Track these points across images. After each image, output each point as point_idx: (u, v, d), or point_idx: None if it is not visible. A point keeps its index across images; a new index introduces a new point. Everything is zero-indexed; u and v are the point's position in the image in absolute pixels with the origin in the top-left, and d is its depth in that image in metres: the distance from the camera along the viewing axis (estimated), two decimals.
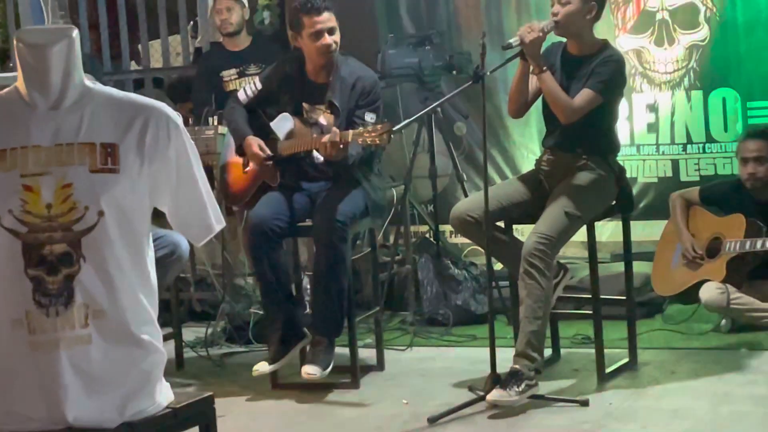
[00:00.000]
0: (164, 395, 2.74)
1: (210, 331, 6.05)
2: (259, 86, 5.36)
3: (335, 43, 5.17)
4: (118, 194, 2.54)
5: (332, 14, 5.16)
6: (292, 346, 5.13)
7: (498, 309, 5.86)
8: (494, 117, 7.14)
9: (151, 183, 2.58)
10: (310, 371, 5.02)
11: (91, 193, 2.53)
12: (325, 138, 4.90)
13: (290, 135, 5.23)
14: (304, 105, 5.27)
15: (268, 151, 5.20)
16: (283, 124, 5.25)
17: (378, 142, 4.81)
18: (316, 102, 5.27)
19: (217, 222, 2.71)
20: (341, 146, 4.88)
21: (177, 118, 2.65)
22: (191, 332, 6.20)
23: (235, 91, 5.59)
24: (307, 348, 5.17)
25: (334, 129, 4.93)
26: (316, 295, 5.13)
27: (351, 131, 4.89)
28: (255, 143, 5.21)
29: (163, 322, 5.68)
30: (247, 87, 5.43)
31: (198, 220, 2.68)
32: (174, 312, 5.81)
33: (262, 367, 5.11)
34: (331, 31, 5.15)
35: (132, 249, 2.57)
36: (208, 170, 5.70)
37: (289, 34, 5.30)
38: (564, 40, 5.04)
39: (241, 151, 5.31)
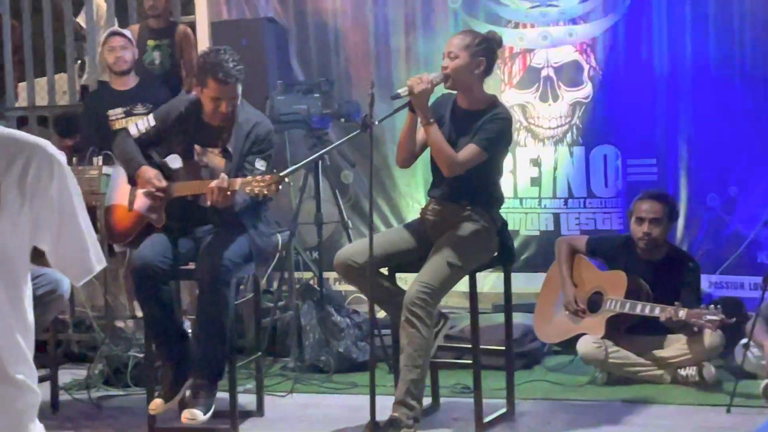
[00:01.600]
0: None
1: (88, 373, 5.96)
2: (153, 123, 5.32)
3: (233, 108, 5.16)
4: None
5: (235, 85, 5.13)
6: (183, 384, 5.08)
7: (379, 357, 5.89)
8: (381, 166, 7.21)
9: (32, 221, 2.54)
10: (191, 416, 4.97)
11: None
12: (213, 183, 4.89)
13: (178, 178, 5.19)
14: (196, 147, 5.26)
15: (164, 183, 5.17)
16: (171, 164, 5.22)
17: (266, 192, 4.81)
18: (209, 144, 5.26)
19: (98, 262, 2.68)
20: (228, 193, 4.87)
21: (60, 156, 2.62)
22: (68, 374, 6.11)
23: (122, 129, 5.54)
24: (187, 393, 5.12)
25: (223, 175, 4.92)
26: (198, 338, 5.10)
27: (239, 179, 4.88)
28: (152, 172, 5.18)
29: (39, 364, 5.66)
30: (140, 123, 5.37)
31: (79, 260, 2.64)
32: (51, 353, 5.71)
33: (159, 406, 5.05)
34: (231, 100, 5.15)
35: (10, 288, 2.53)
36: (92, 210, 5.70)
37: (192, 80, 5.29)
38: (455, 92, 5.12)
39: (132, 181, 5.26)
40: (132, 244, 5.34)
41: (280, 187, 4.88)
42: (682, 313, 5.57)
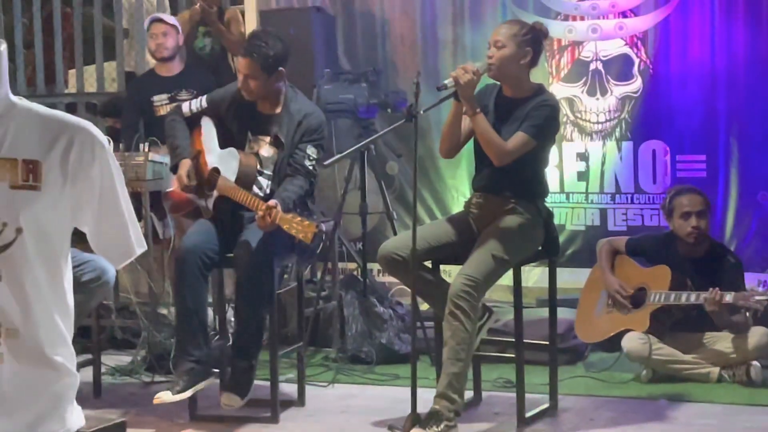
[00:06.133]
0: (75, 419, 2.68)
1: (131, 359, 5.98)
2: (205, 105, 5.34)
3: (258, 88, 5.17)
4: (39, 212, 2.49)
5: (253, 61, 5.13)
6: (199, 381, 5.04)
7: (422, 349, 5.86)
8: (426, 157, 7.18)
9: (73, 202, 2.54)
10: (228, 400, 4.98)
11: (11, 210, 2.48)
12: (262, 208, 4.86)
13: (235, 175, 5.16)
14: (249, 134, 5.26)
15: (193, 181, 5.17)
16: (228, 160, 5.18)
17: (301, 237, 4.80)
18: (260, 133, 5.25)
19: (139, 246, 2.67)
20: (270, 222, 4.85)
21: (103, 138, 2.61)
22: (111, 360, 6.13)
23: (176, 107, 5.54)
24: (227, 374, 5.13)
25: (271, 202, 4.88)
26: (237, 320, 5.11)
27: (280, 214, 4.83)
28: (184, 168, 5.18)
29: (82, 349, 5.71)
30: (193, 103, 5.38)
31: (119, 243, 2.64)
32: (94, 338, 5.74)
33: (165, 396, 4.99)
34: (252, 78, 5.16)
35: (50, 269, 2.53)
36: (136, 196, 5.72)
37: None
38: (499, 83, 5.07)
39: (175, 169, 5.27)
40: (185, 216, 5.38)
41: (317, 238, 4.88)
42: (729, 297, 5.52)
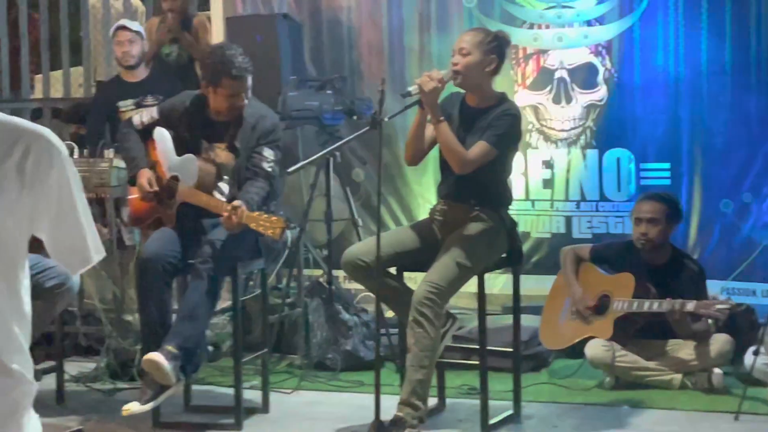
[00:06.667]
0: (32, 427, 2.66)
1: (95, 366, 5.96)
2: (156, 116, 5.33)
3: (240, 104, 5.18)
4: None
5: (246, 80, 5.16)
6: (167, 388, 4.99)
7: (386, 356, 5.87)
8: (392, 164, 7.19)
9: (30, 209, 2.53)
10: (153, 358, 4.90)
11: None
12: (227, 209, 4.85)
13: (195, 181, 5.14)
14: (203, 143, 5.24)
15: (155, 188, 5.16)
16: (187, 166, 5.17)
17: (269, 233, 4.79)
18: (215, 140, 5.24)
19: (96, 253, 2.65)
20: (237, 222, 4.84)
21: (61, 144, 2.60)
22: (75, 366, 6.09)
23: (126, 120, 5.54)
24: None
25: (234, 203, 4.87)
26: (179, 317, 5.05)
27: (246, 213, 4.83)
28: (144, 178, 5.18)
29: (46, 355, 5.68)
30: (144, 114, 5.39)
31: (76, 250, 2.62)
32: (58, 345, 5.72)
33: (134, 407, 4.95)
34: (246, 92, 5.17)
35: (6, 276, 2.51)
36: (101, 202, 5.70)
37: (202, 82, 5.28)
38: (463, 91, 5.09)
39: (133, 181, 5.26)
40: (148, 228, 5.35)
41: (287, 231, 4.85)
42: (691, 305, 5.55)
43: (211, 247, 4.99)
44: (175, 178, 5.16)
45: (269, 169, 5.16)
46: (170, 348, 4.89)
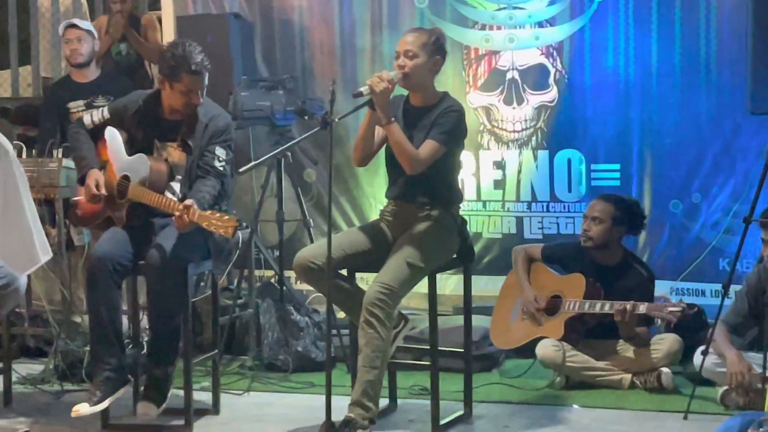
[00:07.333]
0: None
1: (43, 367, 5.90)
2: (107, 116, 5.29)
3: (196, 102, 5.17)
4: None
5: (204, 76, 5.16)
6: (116, 390, 5.00)
7: (338, 357, 5.85)
8: (344, 165, 7.19)
9: None
10: (145, 409, 4.95)
11: None
12: (179, 208, 4.83)
13: (145, 180, 5.10)
14: (156, 142, 5.21)
15: (103, 191, 5.13)
16: (138, 166, 5.13)
17: (222, 232, 4.77)
18: (167, 139, 5.22)
19: (44, 253, 2.64)
20: (188, 221, 4.82)
21: (8, 145, 2.58)
22: (23, 368, 6.04)
23: (77, 120, 5.49)
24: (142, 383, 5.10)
25: (186, 203, 4.85)
26: (152, 328, 5.08)
27: (198, 212, 4.80)
28: (92, 179, 5.14)
29: None
30: (94, 114, 5.35)
31: (23, 250, 2.61)
32: (5, 346, 5.67)
33: (83, 408, 4.93)
34: (202, 90, 5.16)
35: None
36: (50, 203, 5.65)
37: (157, 76, 5.25)
38: (405, 92, 5.09)
39: (82, 181, 5.21)
40: (97, 228, 5.31)
41: (239, 232, 4.85)
42: (643, 308, 5.60)
43: (159, 248, 4.96)
44: (125, 178, 5.12)
45: (221, 168, 5.14)
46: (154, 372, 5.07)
